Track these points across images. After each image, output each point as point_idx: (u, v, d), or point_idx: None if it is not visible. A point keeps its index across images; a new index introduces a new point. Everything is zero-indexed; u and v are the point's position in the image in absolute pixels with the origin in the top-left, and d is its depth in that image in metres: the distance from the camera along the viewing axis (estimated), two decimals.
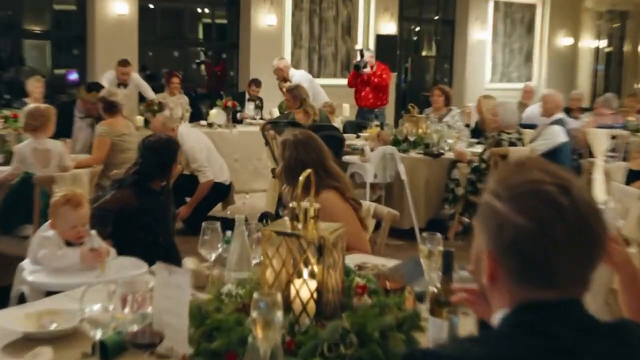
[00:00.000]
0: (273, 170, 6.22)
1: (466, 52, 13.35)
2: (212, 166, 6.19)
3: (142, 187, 3.59)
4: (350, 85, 9.42)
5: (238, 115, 8.77)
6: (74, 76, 10.31)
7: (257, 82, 9.46)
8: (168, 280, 1.77)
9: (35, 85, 7.79)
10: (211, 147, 6.38)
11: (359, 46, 9.56)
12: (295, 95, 6.79)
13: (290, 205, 1.90)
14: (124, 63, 8.11)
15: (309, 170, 1.92)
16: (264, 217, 5.77)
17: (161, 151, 3.65)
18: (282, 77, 8.64)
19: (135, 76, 8.45)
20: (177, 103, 8.32)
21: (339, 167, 3.28)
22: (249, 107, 9.28)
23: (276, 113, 8.87)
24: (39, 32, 10.49)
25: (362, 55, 9.13)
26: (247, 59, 10.91)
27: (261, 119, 9.00)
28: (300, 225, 1.88)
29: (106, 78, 8.01)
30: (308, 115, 6.66)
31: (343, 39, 11.91)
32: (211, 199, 6.23)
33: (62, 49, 11.08)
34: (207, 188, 6.09)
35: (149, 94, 8.39)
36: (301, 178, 1.90)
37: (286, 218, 1.95)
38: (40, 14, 10.53)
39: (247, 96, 9.43)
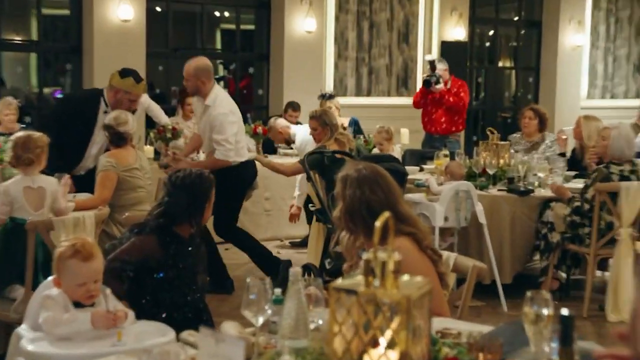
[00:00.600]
0: (319, 212, 6.28)
1: (556, 62, 13.35)
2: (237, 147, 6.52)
3: (169, 233, 3.66)
4: (417, 105, 9.50)
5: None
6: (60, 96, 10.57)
7: (294, 106, 9.63)
8: (215, 351, 1.82)
9: (3, 112, 7.91)
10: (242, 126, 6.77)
11: (429, 56, 9.55)
12: (324, 123, 6.85)
13: (364, 256, 1.94)
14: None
15: (387, 214, 1.96)
16: (307, 270, 5.83)
17: (192, 189, 3.73)
18: (282, 140, 8.66)
19: (144, 96, 8.63)
20: (193, 129, 8.49)
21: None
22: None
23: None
24: (21, 42, 10.80)
25: (433, 68, 9.17)
26: (280, 73, 11.10)
27: None
28: (377, 282, 1.91)
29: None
30: (342, 145, 6.72)
31: (400, 47, 12.05)
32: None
33: (51, 63, 11.39)
34: (216, 165, 6.32)
35: (162, 118, 8.56)
36: (378, 223, 1.94)
37: (353, 272, 1.98)
38: (24, 20, 10.87)
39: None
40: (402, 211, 3.18)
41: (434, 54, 11.76)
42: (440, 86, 9.07)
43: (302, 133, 7.89)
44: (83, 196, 5.60)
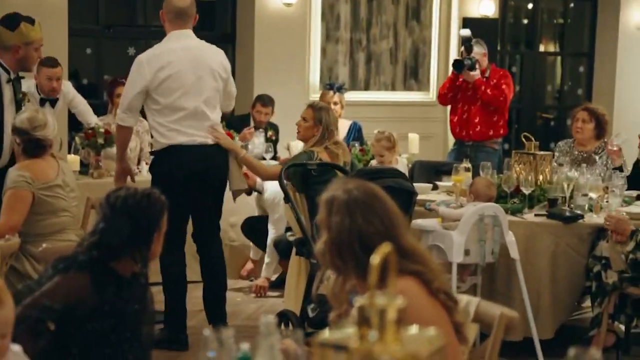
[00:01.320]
0: (299, 243, 6.34)
1: (616, 46, 13.39)
2: None
3: (105, 271, 3.68)
4: (443, 99, 9.53)
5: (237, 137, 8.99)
6: None
7: (265, 100, 9.69)
8: None
9: None
10: None
11: (465, 31, 9.37)
12: (319, 120, 6.93)
13: (357, 303, 2.00)
14: (51, 62, 8.34)
15: (386, 248, 2.01)
16: (284, 319, 5.88)
17: (137, 213, 3.74)
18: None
19: (68, 86, 8.66)
20: None
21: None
22: (256, 140, 9.45)
23: (300, 147, 9.02)
24: None
25: (468, 49, 9.15)
26: (249, 59, 11.17)
27: (274, 157, 9.14)
28: (373, 335, 1.96)
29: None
30: (334, 158, 6.81)
31: (408, 26, 12.12)
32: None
33: None
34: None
35: (90, 117, 8.61)
36: (375, 260, 2.00)
37: (343, 322, 2.03)
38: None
39: (251, 122, 9.63)
40: (405, 244, 3.20)
41: (453, 36, 11.87)
42: (476, 73, 9.06)
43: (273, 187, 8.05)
44: None
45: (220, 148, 6.69)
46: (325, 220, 3.26)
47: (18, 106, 6.41)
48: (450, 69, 9.47)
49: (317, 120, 6.93)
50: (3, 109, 6.25)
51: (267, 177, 7.25)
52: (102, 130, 8.02)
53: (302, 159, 6.82)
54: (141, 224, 3.71)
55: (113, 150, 8.00)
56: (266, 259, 8.14)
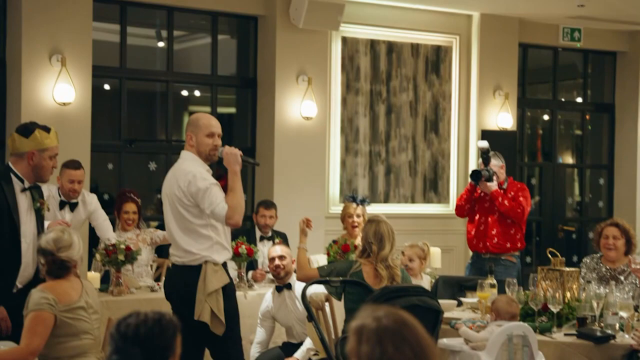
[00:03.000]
0: None
1: (637, 158, 13.45)
2: None
3: None
4: (460, 211, 9.55)
5: (249, 273, 9.00)
6: None
7: (267, 203, 9.74)
8: None
9: None
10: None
11: (482, 142, 9.37)
12: (364, 232, 6.93)
13: None
14: (74, 165, 8.37)
15: None
16: None
17: (149, 342, 3.68)
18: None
19: (92, 198, 8.66)
20: (138, 245, 8.60)
21: None
22: (264, 250, 9.39)
23: (322, 261, 8.92)
24: None
25: (486, 160, 9.20)
26: (269, 172, 11.20)
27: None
28: None
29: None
30: (379, 278, 6.74)
31: (427, 138, 12.19)
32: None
33: None
34: None
35: (108, 232, 8.61)
36: None
37: None
38: None
39: (257, 231, 9.63)
40: None
41: (472, 148, 11.90)
42: (494, 184, 9.11)
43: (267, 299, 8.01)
44: (3, 345, 5.56)
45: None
46: (355, 349, 3.20)
47: (38, 215, 6.39)
48: (469, 180, 9.48)
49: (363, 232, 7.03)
50: (19, 219, 6.22)
51: (303, 277, 7.06)
52: (123, 247, 7.97)
53: (341, 266, 6.91)
54: (155, 352, 3.65)
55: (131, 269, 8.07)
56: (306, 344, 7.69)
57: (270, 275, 8.77)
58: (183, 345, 4.23)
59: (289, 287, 7.80)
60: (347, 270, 6.74)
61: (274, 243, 9.37)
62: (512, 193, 9.21)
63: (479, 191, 9.26)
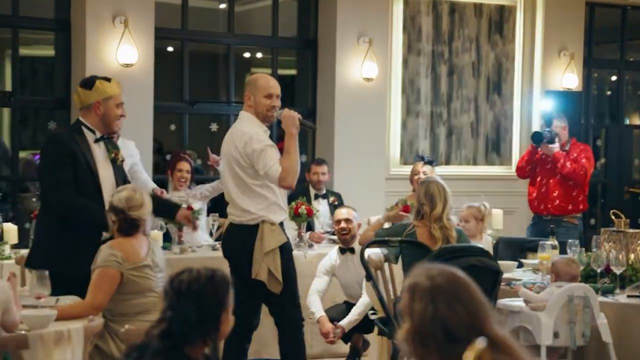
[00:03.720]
0: (381, 322, 6.29)
1: None
2: None
3: (177, 357, 3.67)
4: (522, 173, 9.58)
5: (308, 233, 8.99)
6: None
7: (318, 160, 9.89)
8: None
9: None
10: None
11: (545, 106, 9.38)
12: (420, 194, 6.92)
13: None
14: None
15: (480, 345, 1.96)
16: None
17: (202, 298, 3.72)
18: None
19: (133, 147, 8.73)
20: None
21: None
22: (321, 208, 9.40)
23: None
24: None
25: (548, 122, 9.17)
26: (330, 133, 11.20)
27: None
28: None
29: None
30: (434, 240, 6.72)
31: (489, 99, 12.10)
32: None
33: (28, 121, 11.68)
34: None
35: (148, 183, 8.71)
36: (468, 358, 1.95)
37: None
38: None
39: (310, 189, 9.64)
40: (492, 334, 3.10)
41: (535, 109, 11.80)
42: (555, 146, 9.06)
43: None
44: (68, 300, 5.61)
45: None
46: (407, 307, 3.18)
47: (114, 165, 6.48)
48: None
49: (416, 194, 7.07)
50: (97, 168, 6.31)
51: (363, 240, 7.09)
52: (185, 206, 8.01)
53: (396, 229, 6.91)
54: (208, 308, 3.69)
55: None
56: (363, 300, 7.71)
57: (329, 237, 8.83)
58: (240, 303, 4.30)
59: (352, 251, 7.84)
60: (401, 233, 6.73)
61: (329, 202, 9.45)
62: (575, 154, 9.14)
63: (540, 153, 9.21)
